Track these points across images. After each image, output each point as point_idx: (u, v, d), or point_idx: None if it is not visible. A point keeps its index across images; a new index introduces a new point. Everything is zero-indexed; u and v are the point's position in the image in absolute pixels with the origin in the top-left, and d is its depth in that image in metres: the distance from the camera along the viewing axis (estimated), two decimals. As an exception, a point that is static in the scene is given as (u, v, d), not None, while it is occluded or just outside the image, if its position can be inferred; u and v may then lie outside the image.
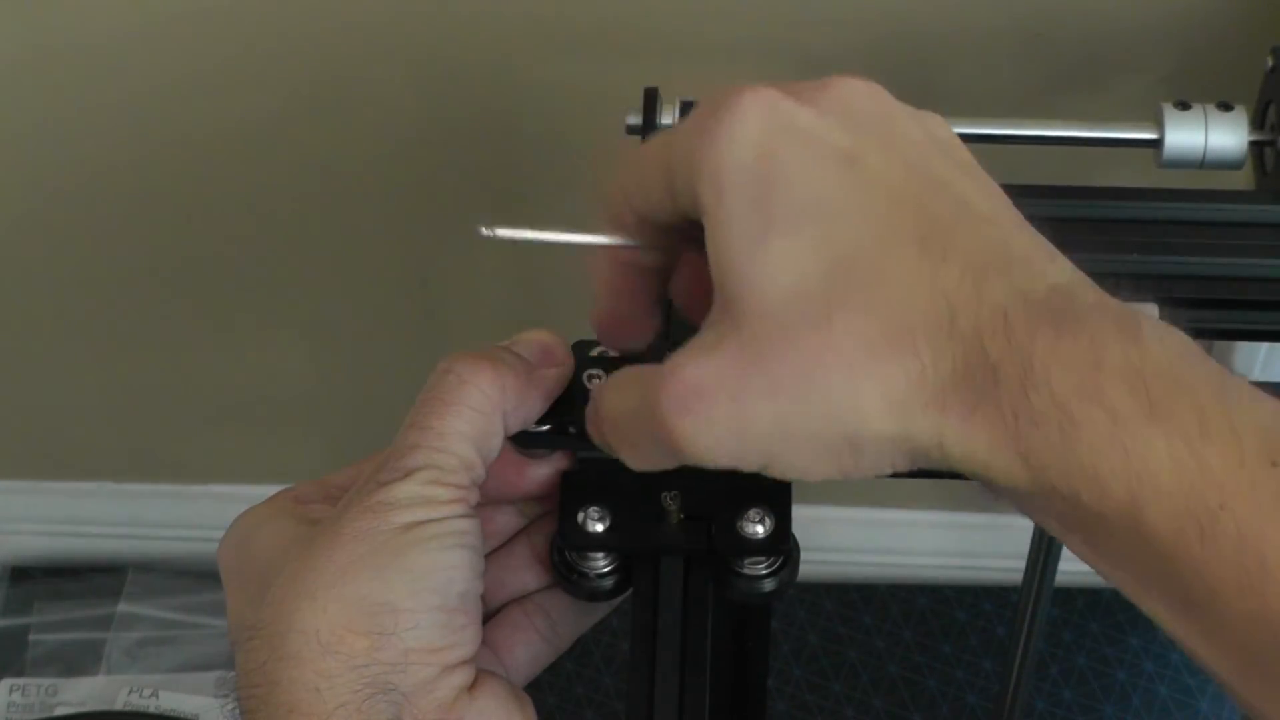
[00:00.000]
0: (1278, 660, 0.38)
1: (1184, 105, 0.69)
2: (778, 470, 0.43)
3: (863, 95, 0.44)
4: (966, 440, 0.40)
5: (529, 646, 0.52)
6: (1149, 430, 0.38)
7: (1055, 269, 0.42)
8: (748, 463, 0.43)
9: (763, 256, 0.41)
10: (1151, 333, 0.40)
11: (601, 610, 0.54)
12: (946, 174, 0.43)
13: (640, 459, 0.45)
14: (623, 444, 0.46)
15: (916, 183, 0.42)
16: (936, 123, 0.45)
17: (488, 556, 0.50)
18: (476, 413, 0.48)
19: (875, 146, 0.43)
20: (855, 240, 0.41)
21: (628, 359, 0.52)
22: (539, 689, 0.52)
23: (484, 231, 0.47)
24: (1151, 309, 0.54)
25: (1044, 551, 0.98)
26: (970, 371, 0.40)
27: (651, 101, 0.68)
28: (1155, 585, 0.39)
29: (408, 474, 0.47)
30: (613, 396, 0.46)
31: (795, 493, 0.52)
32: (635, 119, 0.68)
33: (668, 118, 0.68)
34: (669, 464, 0.44)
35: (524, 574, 0.53)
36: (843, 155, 0.42)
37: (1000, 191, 0.45)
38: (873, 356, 0.40)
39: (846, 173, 0.42)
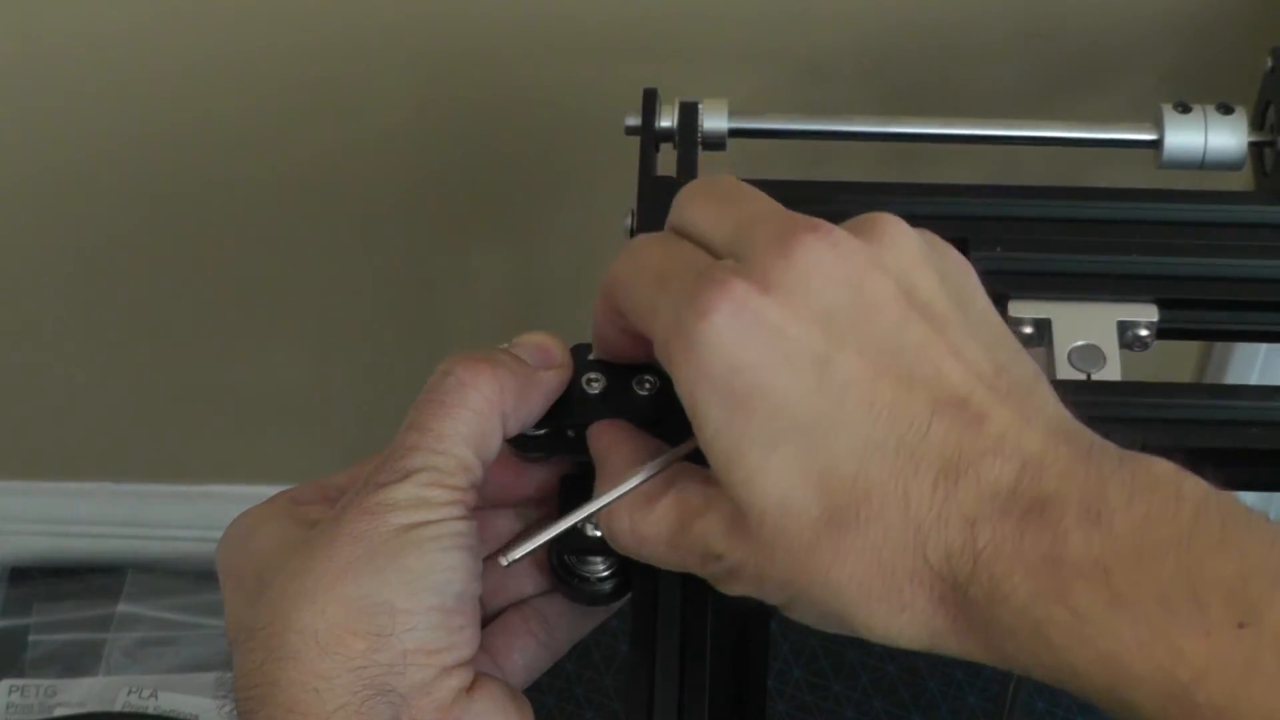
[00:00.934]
0: None
1: (1185, 108, 0.69)
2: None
3: (829, 262, 0.43)
4: (963, 647, 0.42)
5: (526, 651, 0.52)
6: (1113, 620, 0.39)
7: (1029, 433, 0.42)
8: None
9: (745, 477, 0.42)
10: (1116, 501, 0.40)
11: (599, 616, 0.54)
12: (921, 342, 0.43)
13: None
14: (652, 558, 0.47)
15: (889, 373, 0.42)
16: (910, 254, 0.44)
17: (486, 561, 0.50)
18: (475, 415, 0.48)
19: (846, 335, 0.42)
20: (833, 455, 0.42)
21: (626, 364, 0.52)
22: (538, 690, 0.52)
23: (504, 561, 0.49)
24: (1150, 310, 0.54)
25: (1044, 552, 0.98)
26: (943, 595, 0.41)
27: (651, 102, 0.67)
28: None
29: (406, 475, 0.47)
30: (645, 521, 0.47)
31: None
32: (634, 120, 0.68)
33: (667, 119, 0.68)
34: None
35: (522, 579, 0.53)
36: (813, 357, 0.42)
37: (989, 323, 0.45)
38: (861, 590, 0.42)
39: (818, 377, 0.42)
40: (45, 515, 1.32)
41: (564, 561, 0.52)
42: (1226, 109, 0.69)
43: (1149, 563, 0.39)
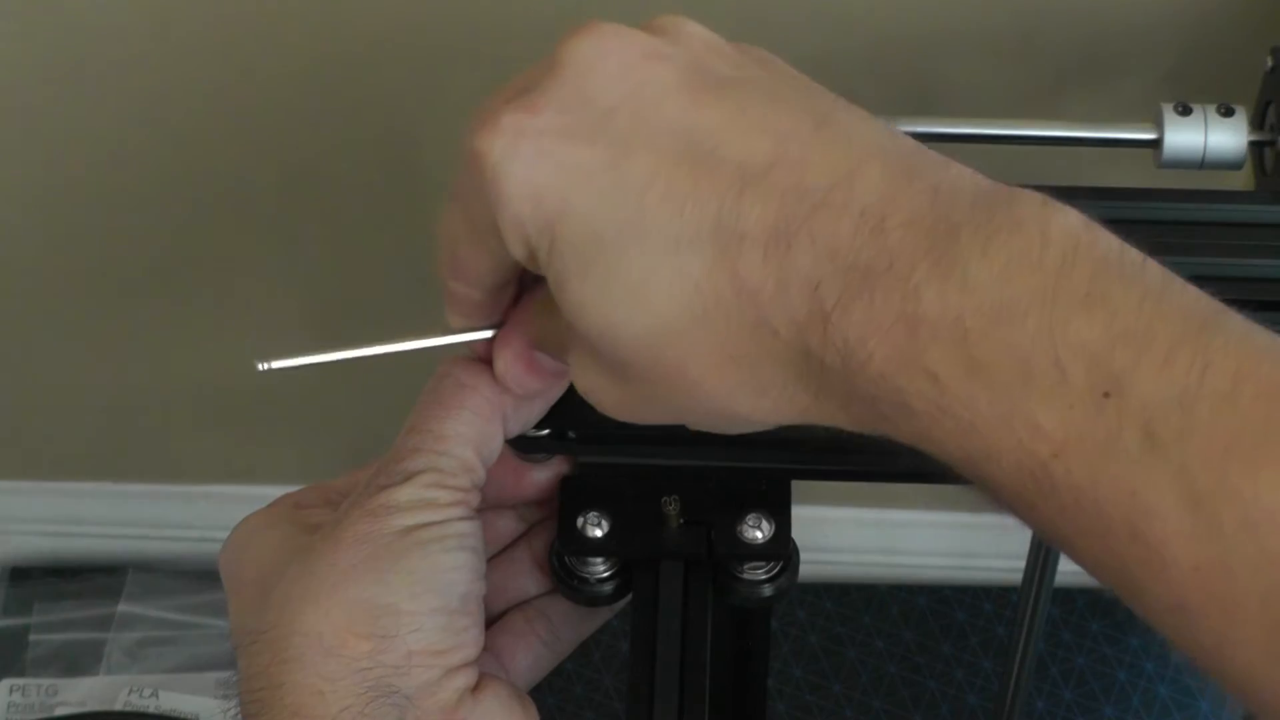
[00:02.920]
0: (1140, 597, 0.36)
1: (1185, 109, 0.69)
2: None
3: (600, 58, 0.41)
4: (835, 418, 0.40)
5: (530, 652, 0.52)
6: (971, 389, 0.36)
7: (862, 181, 0.39)
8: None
9: (571, 305, 0.41)
10: (970, 249, 0.37)
11: (602, 615, 0.54)
12: (719, 121, 0.40)
13: None
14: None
15: (684, 161, 0.40)
16: (700, 38, 0.42)
17: (489, 562, 0.50)
18: (476, 416, 0.48)
19: (630, 134, 0.40)
20: (648, 263, 0.39)
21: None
22: (539, 689, 0.52)
23: (260, 367, 0.47)
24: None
25: (1044, 551, 0.98)
26: (801, 372, 0.39)
27: (651, 103, 0.67)
28: (1031, 526, 0.38)
29: (408, 477, 0.47)
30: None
31: (795, 492, 0.52)
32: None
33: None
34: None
35: (524, 579, 0.53)
36: (601, 166, 0.40)
37: (802, 82, 0.42)
38: (722, 382, 0.40)
39: (611, 186, 0.40)
40: (45, 515, 1.32)
41: (564, 563, 0.52)
42: (1227, 110, 0.69)
43: (1009, 322, 0.36)
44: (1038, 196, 0.38)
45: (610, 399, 0.43)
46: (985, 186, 0.39)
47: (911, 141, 0.41)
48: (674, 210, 0.39)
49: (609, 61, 0.41)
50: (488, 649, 0.50)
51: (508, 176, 0.40)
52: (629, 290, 0.40)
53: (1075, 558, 0.37)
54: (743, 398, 0.40)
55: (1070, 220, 0.38)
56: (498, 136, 0.41)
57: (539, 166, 0.40)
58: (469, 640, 0.47)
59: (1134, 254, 0.38)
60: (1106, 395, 0.35)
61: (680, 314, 0.39)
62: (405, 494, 0.47)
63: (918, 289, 0.37)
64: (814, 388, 0.39)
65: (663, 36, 0.42)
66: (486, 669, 0.49)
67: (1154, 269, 0.38)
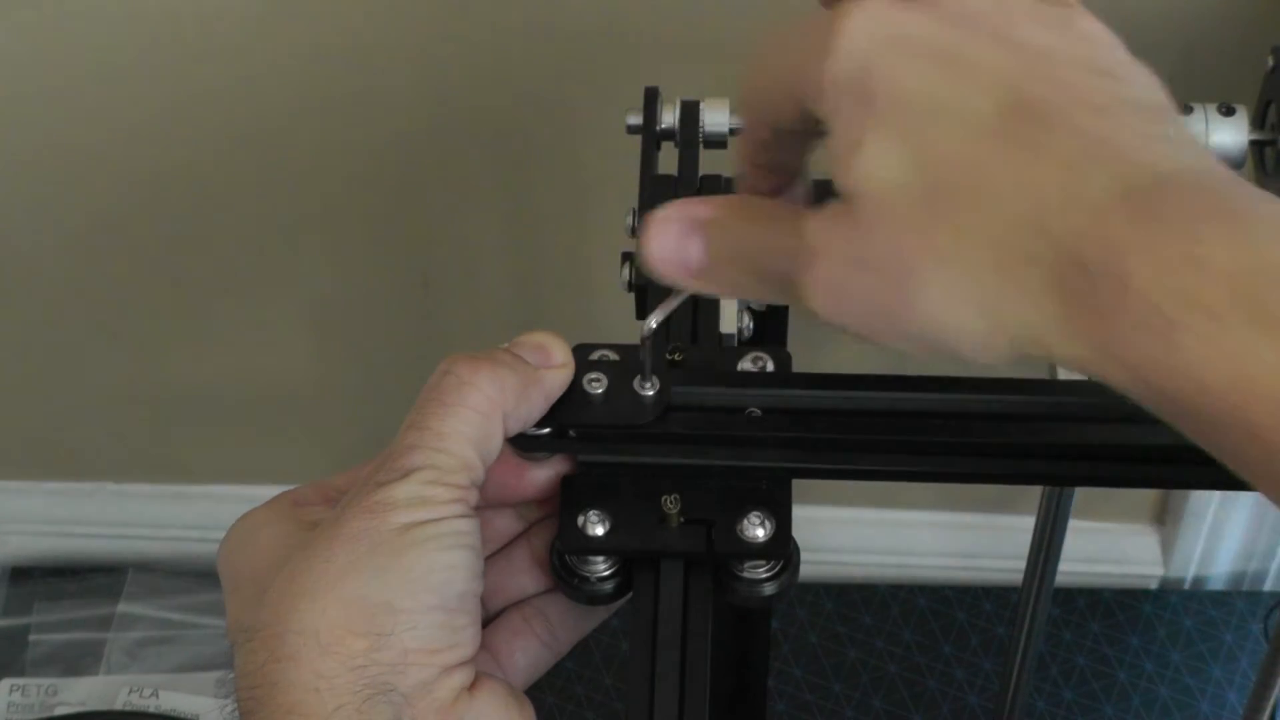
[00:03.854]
0: None
1: (1186, 109, 0.69)
2: (881, 342, 0.44)
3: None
4: (1066, 343, 0.40)
5: (528, 651, 0.52)
6: (1252, 335, 0.37)
7: (1167, 156, 0.40)
8: (850, 329, 0.44)
9: (857, 162, 0.42)
10: (1269, 231, 0.38)
11: (600, 615, 0.53)
12: (1057, 60, 0.42)
13: (745, 292, 0.47)
14: (738, 274, 0.46)
15: (1019, 72, 0.42)
16: (1063, 13, 0.44)
17: (487, 560, 0.50)
18: (476, 414, 0.48)
19: (981, 39, 0.42)
20: (945, 139, 0.41)
21: (627, 362, 0.52)
22: (539, 689, 0.52)
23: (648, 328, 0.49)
24: None
25: (1044, 551, 0.98)
26: (1064, 277, 0.39)
27: (652, 101, 0.67)
28: (1262, 474, 0.38)
29: (406, 474, 0.47)
30: (746, 225, 0.46)
31: (795, 492, 0.52)
32: (636, 119, 0.68)
33: (668, 117, 0.68)
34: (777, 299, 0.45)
35: (523, 578, 0.53)
36: (942, 53, 0.42)
37: (1131, 73, 0.44)
38: (964, 265, 0.41)
39: (943, 70, 0.42)
40: (46, 515, 1.32)
41: (564, 561, 0.52)
42: (1228, 110, 0.69)
43: None
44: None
45: (839, 262, 0.43)
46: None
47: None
48: (995, 106, 0.41)
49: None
50: (485, 648, 0.50)
51: (850, 42, 0.43)
52: (927, 156, 0.41)
53: None
54: (987, 288, 0.41)
55: None
56: (862, 12, 0.43)
57: (883, 43, 0.42)
58: (465, 639, 0.47)
59: None
60: None
61: (968, 189, 0.41)
62: (403, 491, 0.47)
63: (1211, 242, 0.38)
64: (1067, 301, 0.40)
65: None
66: (484, 668, 0.49)
67: None
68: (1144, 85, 0.44)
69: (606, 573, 0.51)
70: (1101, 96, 0.42)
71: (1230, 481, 0.39)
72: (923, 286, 0.41)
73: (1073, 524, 0.97)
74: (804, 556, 0.52)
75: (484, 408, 0.48)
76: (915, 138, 0.41)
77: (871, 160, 0.42)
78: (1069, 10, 0.45)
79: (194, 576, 1.29)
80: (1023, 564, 1.00)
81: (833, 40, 0.43)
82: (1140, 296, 0.38)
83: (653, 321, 0.49)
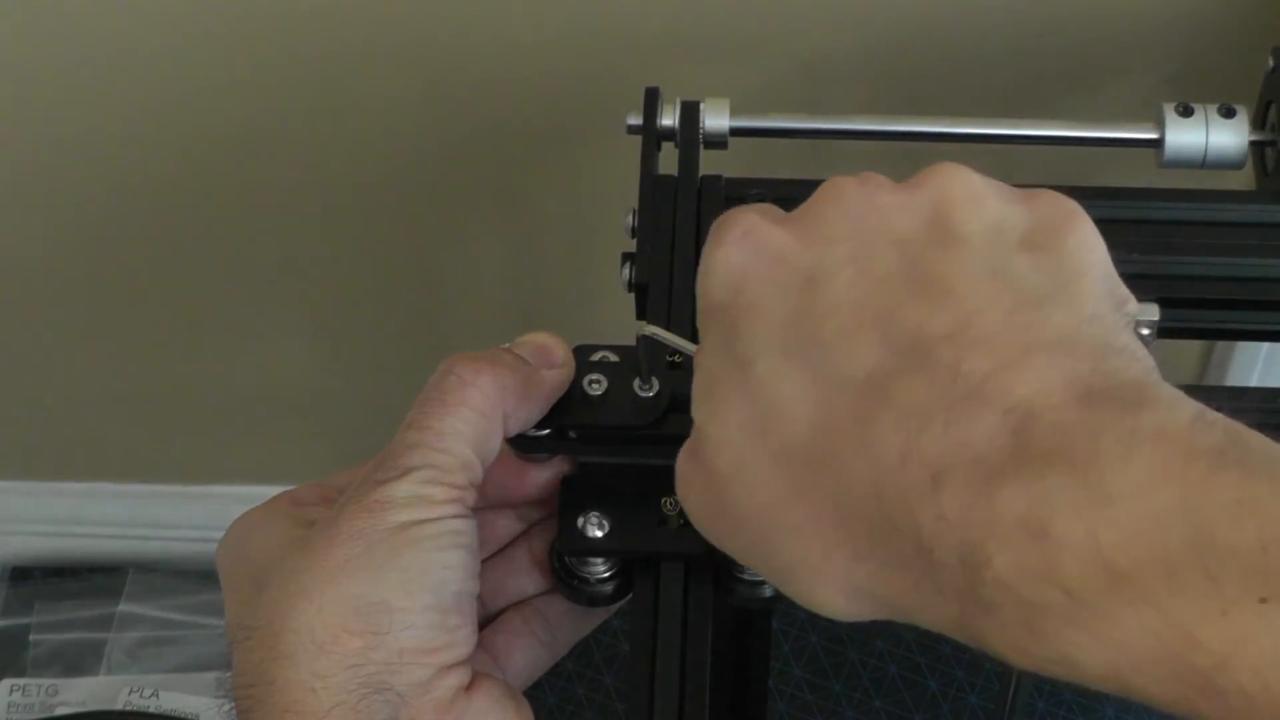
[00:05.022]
0: None
1: (1187, 110, 0.69)
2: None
3: (850, 197, 0.42)
4: (924, 618, 0.39)
5: (526, 652, 0.52)
6: (1113, 603, 0.35)
7: (1021, 377, 0.37)
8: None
9: (708, 411, 0.42)
10: (1110, 458, 0.35)
11: (599, 616, 0.54)
12: (926, 278, 0.40)
13: None
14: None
15: (878, 304, 0.39)
16: (957, 193, 0.41)
17: (486, 561, 0.50)
18: (476, 413, 0.48)
19: (843, 264, 0.40)
20: (803, 385, 0.40)
21: (627, 364, 0.52)
22: (539, 689, 0.52)
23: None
24: (1152, 309, 0.54)
25: (1045, 552, 0.98)
26: (905, 557, 0.38)
27: (652, 101, 0.67)
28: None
29: (405, 473, 0.47)
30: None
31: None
32: (636, 119, 0.68)
33: (668, 118, 0.68)
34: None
35: (523, 579, 0.53)
36: (805, 279, 0.41)
37: (1057, 264, 0.40)
38: (818, 535, 0.39)
39: (807, 299, 0.40)
40: (46, 515, 1.32)
41: (564, 563, 0.51)
42: (1228, 111, 0.69)
43: (1151, 533, 0.34)
44: (1192, 408, 0.36)
45: (697, 501, 0.43)
46: (1139, 380, 0.38)
47: (1099, 316, 0.40)
48: (848, 348, 0.39)
49: (857, 203, 0.42)
50: (484, 648, 0.50)
51: (723, 262, 0.43)
52: (781, 402, 0.40)
53: None
54: (837, 561, 0.39)
55: (1219, 429, 0.36)
56: (738, 228, 0.43)
57: (753, 265, 0.42)
58: (461, 639, 0.47)
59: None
60: (1264, 600, 0.34)
61: (817, 447, 0.39)
62: (401, 489, 0.47)
63: (1048, 495, 0.35)
64: (914, 579, 0.38)
65: (918, 188, 0.42)
66: (482, 668, 0.49)
67: None
68: (1072, 299, 0.40)
69: (606, 574, 0.51)
70: (952, 309, 0.39)
71: None
72: (781, 546, 0.40)
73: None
74: (804, 557, 0.51)
75: (484, 408, 0.48)
76: (763, 391, 0.40)
77: (722, 415, 0.41)
78: (994, 216, 0.41)
79: (194, 576, 1.29)
80: (1023, 564, 1.00)
81: (710, 256, 0.43)
82: (987, 576, 0.36)
83: (650, 327, 0.49)
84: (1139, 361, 0.39)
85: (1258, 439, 0.36)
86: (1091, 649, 0.35)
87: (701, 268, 0.43)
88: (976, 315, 0.39)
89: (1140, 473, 0.35)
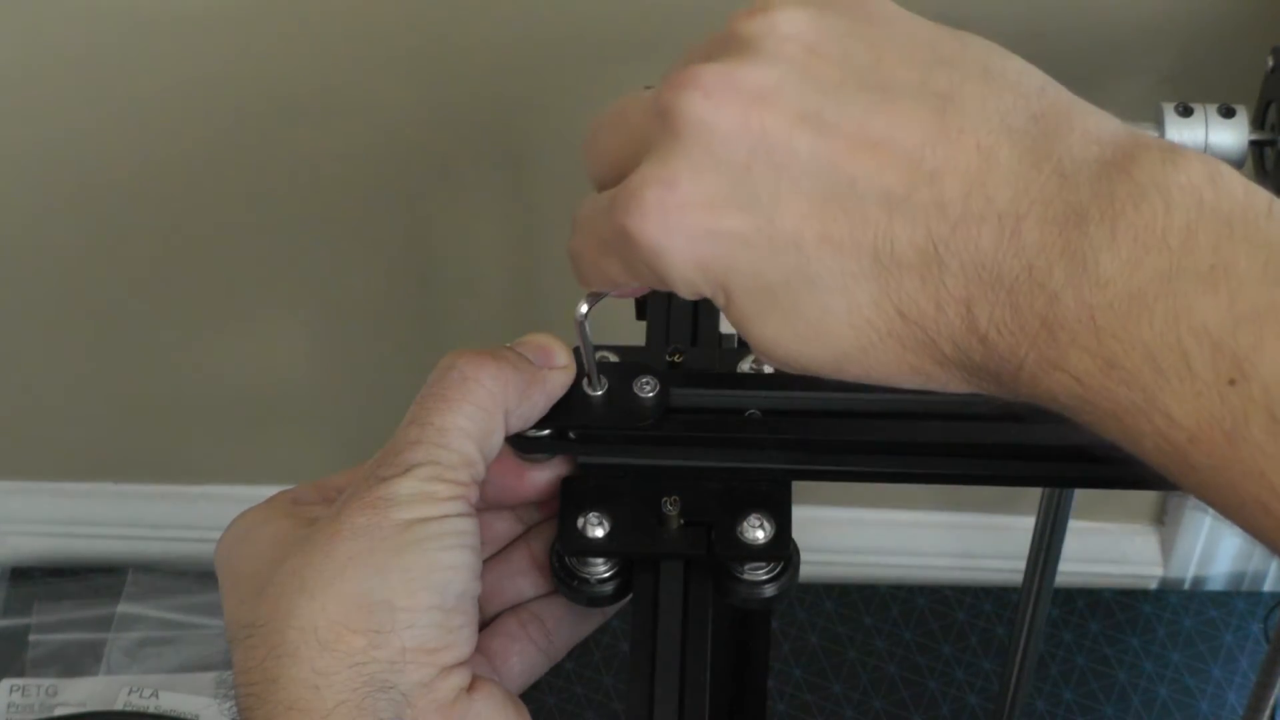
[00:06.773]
0: None
1: (1186, 110, 0.68)
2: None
3: (712, 124, 0.41)
4: (965, 388, 0.42)
5: (524, 655, 0.52)
6: (1109, 385, 0.38)
7: (994, 180, 0.39)
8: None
9: (758, 342, 0.43)
10: (1099, 237, 0.38)
11: (597, 619, 0.53)
12: (846, 152, 0.40)
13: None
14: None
15: (831, 203, 0.40)
16: (793, 42, 0.42)
17: (485, 563, 0.50)
18: (479, 409, 0.48)
19: (768, 192, 0.41)
20: (820, 304, 0.41)
21: (627, 363, 0.52)
22: (539, 689, 0.52)
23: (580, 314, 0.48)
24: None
25: (1044, 552, 0.98)
26: (968, 373, 0.41)
27: (651, 102, 0.67)
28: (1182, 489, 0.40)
29: (408, 469, 0.47)
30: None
31: (795, 492, 0.52)
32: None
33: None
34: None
35: (521, 581, 0.53)
36: (754, 230, 0.41)
37: (912, 44, 0.42)
38: (898, 380, 0.42)
39: (768, 246, 0.41)
40: (46, 515, 1.32)
41: (564, 563, 0.51)
42: (1228, 110, 0.69)
43: (1138, 315, 0.37)
44: (1157, 151, 0.39)
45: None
46: (1108, 150, 0.40)
47: (1035, 85, 0.42)
48: (833, 251, 0.41)
49: (723, 116, 0.41)
50: (481, 651, 0.50)
51: (669, 254, 0.42)
52: (809, 327, 0.41)
53: (1225, 518, 0.39)
54: (919, 385, 0.43)
55: (1193, 175, 0.38)
56: (646, 219, 0.41)
57: (698, 243, 0.41)
58: (462, 639, 0.47)
59: (1260, 201, 0.38)
60: (1232, 382, 0.36)
61: (858, 342, 0.41)
62: (405, 486, 0.47)
63: (1056, 294, 0.38)
64: (981, 384, 0.41)
65: (759, 58, 0.42)
66: (479, 671, 0.49)
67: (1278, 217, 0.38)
68: (954, 59, 0.43)
69: (606, 574, 0.51)
70: (913, 165, 0.40)
71: None
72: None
73: (1073, 524, 0.97)
74: (804, 557, 0.52)
75: (487, 404, 0.48)
76: (795, 318, 0.42)
77: (774, 347, 0.42)
78: (836, 43, 0.42)
79: (194, 576, 1.29)
80: (1023, 564, 1.00)
81: (657, 262, 0.42)
82: (1018, 377, 0.40)
83: (583, 307, 0.48)
84: (1090, 115, 0.41)
85: (1231, 182, 0.38)
86: (1100, 419, 0.39)
87: (644, 255, 0.42)
88: (920, 152, 0.40)
89: (1125, 248, 0.38)
